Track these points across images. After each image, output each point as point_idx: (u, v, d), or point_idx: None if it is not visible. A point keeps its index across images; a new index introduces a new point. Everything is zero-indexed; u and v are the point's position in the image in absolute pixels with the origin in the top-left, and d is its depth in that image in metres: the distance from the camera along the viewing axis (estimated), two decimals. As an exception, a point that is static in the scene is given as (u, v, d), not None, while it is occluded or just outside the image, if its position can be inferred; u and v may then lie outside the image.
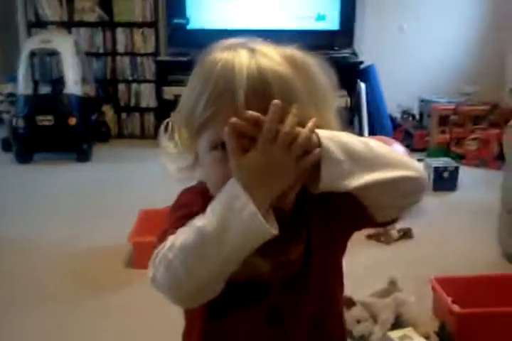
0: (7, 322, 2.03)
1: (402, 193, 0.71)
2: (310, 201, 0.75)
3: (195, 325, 0.80)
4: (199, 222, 0.65)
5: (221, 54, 0.71)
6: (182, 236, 0.66)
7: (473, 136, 4.22)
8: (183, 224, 0.68)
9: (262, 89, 0.67)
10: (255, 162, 0.64)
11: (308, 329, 0.79)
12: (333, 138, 0.67)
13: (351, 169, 0.66)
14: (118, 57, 5.01)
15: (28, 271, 2.43)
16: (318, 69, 0.74)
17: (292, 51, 0.73)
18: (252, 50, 0.71)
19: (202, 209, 0.67)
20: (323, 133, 0.67)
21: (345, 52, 4.79)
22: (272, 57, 0.70)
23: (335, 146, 0.66)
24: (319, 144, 0.66)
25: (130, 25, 4.95)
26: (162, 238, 0.70)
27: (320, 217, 0.77)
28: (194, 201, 0.75)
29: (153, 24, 4.96)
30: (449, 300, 1.85)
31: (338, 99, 0.78)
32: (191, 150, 0.76)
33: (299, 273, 0.77)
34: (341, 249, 0.83)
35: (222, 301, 0.73)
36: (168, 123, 0.79)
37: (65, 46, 4.38)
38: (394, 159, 0.70)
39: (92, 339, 1.91)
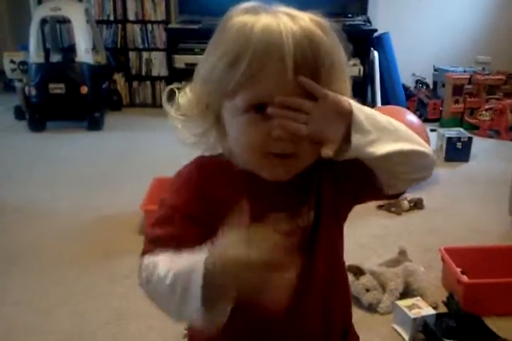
0: (13, 286, 2.07)
1: (418, 166, 0.76)
2: (322, 169, 0.78)
3: None
4: (170, 275, 0.66)
5: (253, 17, 0.70)
6: (157, 276, 0.68)
7: (487, 106, 4.16)
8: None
9: (310, 51, 0.68)
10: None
11: (322, 294, 0.82)
12: (361, 108, 0.71)
13: (377, 138, 0.70)
14: (128, 25, 4.96)
15: (38, 237, 2.47)
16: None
17: (316, 16, 0.73)
18: (287, 14, 0.71)
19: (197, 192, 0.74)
20: (353, 103, 0.70)
21: (358, 20, 4.70)
22: (307, 20, 0.71)
23: (363, 116, 0.70)
24: (351, 112, 0.69)
25: (140, -8, 4.89)
26: (160, 211, 0.76)
27: (331, 186, 0.79)
28: (192, 177, 0.78)
29: (163, -9, 4.88)
30: (458, 270, 1.87)
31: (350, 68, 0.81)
32: (206, 116, 0.76)
33: (309, 240, 0.79)
34: (344, 218, 0.85)
35: None
36: (173, 90, 0.79)
37: (76, 13, 4.35)
38: (411, 135, 0.75)
39: (96, 304, 1.94)
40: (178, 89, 0.79)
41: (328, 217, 0.80)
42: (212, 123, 0.77)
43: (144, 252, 0.74)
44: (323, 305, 0.82)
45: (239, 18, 0.71)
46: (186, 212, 0.75)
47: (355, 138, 0.68)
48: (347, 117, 0.69)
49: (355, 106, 0.70)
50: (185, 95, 0.77)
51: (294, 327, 0.81)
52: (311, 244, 0.79)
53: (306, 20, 0.71)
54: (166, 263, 0.68)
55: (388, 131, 0.71)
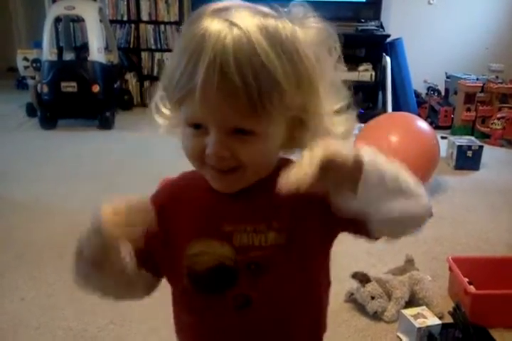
0: (20, 283, 2.07)
1: (411, 226, 0.73)
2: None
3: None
4: None
5: (200, 23, 0.65)
6: None
7: (499, 114, 4.14)
8: None
9: (239, 74, 0.62)
10: None
11: (279, 316, 0.77)
12: (374, 161, 0.64)
13: (379, 196, 0.65)
14: (142, 25, 4.99)
15: (46, 235, 2.47)
16: (304, 43, 0.68)
17: (274, 23, 0.66)
18: (230, 24, 0.64)
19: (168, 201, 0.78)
20: (367, 155, 0.64)
21: (371, 25, 4.70)
22: (249, 34, 0.63)
23: (374, 171, 0.64)
24: (361, 168, 0.63)
25: (154, -7, 4.91)
26: None
27: (311, 212, 0.73)
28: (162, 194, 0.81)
29: (177, -8, 4.90)
30: (465, 280, 1.85)
31: (338, 73, 0.72)
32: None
33: (270, 260, 0.74)
34: (329, 243, 0.80)
35: (194, 290, 0.76)
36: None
37: (90, 13, 4.37)
38: (416, 192, 0.69)
39: (101, 304, 1.91)
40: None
41: (301, 242, 0.74)
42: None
43: None
44: (280, 329, 0.78)
45: (194, 23, 0.67)
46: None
47: (360, 193, 0.63)
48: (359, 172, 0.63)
49: (368, 161, 0.63)
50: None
51: None
52: (275, 264, 0.74)
53: (250, 32, 0.63)
54: None
55: (392, 190, 0.66)
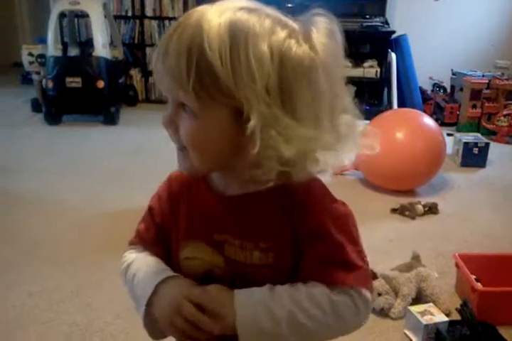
0: (26, 277, 2.07)
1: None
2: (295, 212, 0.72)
3: None
4: (135, 281, 0.81)
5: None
6: (129, 272, 0.83)
7: (505, 111, 4.12)
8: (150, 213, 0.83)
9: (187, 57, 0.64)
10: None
11: None
12: (253, 315, 0.69)
13: None
14: (146, 21, 4.97)
15: (51, 230, 2.48)
16: (256, 40, 0.64)
17: (244, 17, 0.65)
18: (202, 14, 0.66)
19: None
20: (241, 325, 0.68)
21: (376, 21, 4.67)
22: (217, 24, 0.64)
23: (254, 327, 0.68)
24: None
25: (159, -12, 4.89)
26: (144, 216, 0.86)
27: (291, 231, 0.72)
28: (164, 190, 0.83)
29: (182, -13, 4.88)
30: (473, 277, 1.85)
31: (343, 93, 0.70)
32: None
33: (255, 278, 0.73)
34: None
35: None
36: None
37: (94, 8, 4.36)
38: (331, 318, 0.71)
39: (108, 298, 1.93)
40: None
41: (288, 261, 0.72)
42: None
43: (130, 242, 0.88)
44: None
45: None
46: (154, 214, 0.83)
47: None
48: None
49: (244, 311, 0.68)
50: None
51: None
52: (260, 283, 0.72)
53: (215, 24, 0.64)
54: (137, 264, 0.82)
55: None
